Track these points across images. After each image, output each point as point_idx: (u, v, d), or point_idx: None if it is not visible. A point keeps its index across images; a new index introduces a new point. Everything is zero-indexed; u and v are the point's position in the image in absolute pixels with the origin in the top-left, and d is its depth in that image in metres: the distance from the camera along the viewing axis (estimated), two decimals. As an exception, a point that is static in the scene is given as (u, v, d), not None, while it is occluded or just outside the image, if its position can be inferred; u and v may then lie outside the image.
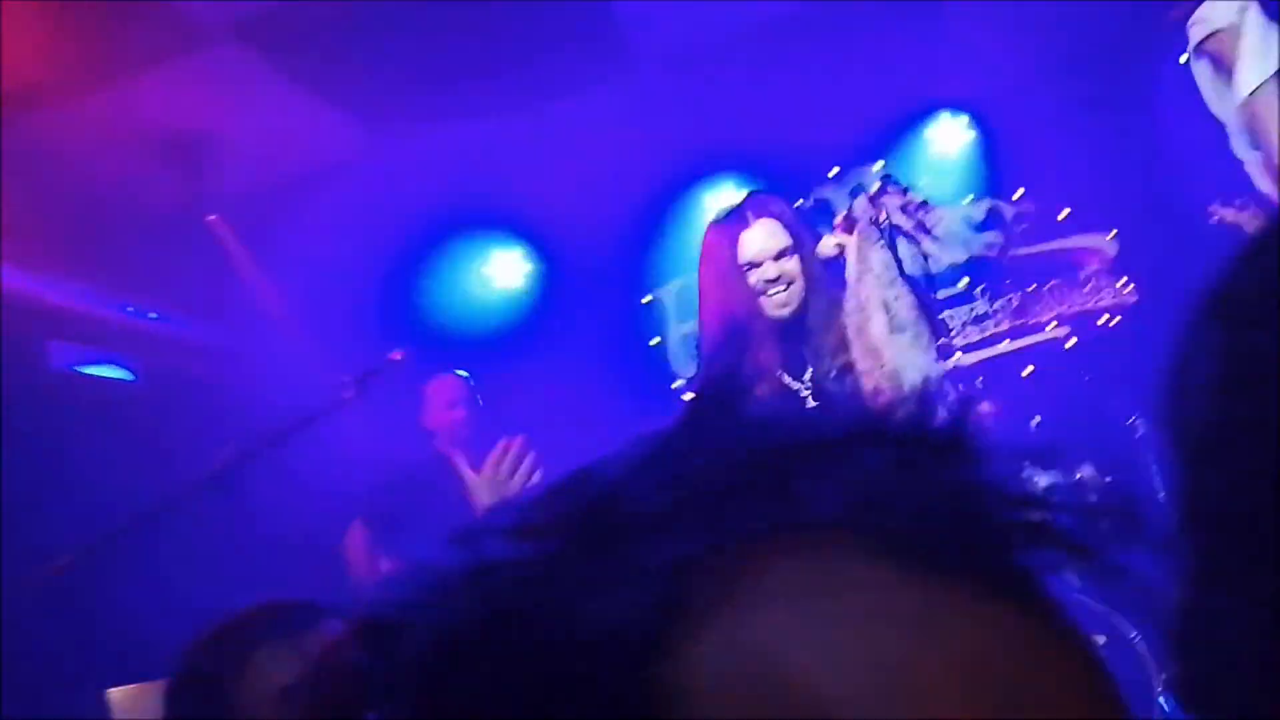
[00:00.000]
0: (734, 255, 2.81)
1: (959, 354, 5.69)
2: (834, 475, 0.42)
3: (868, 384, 2.53)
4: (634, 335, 6.09)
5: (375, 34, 4.24)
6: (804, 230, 2.86)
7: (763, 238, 2.79)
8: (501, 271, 6.02)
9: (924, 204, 2.63)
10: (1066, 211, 5.82)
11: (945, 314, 5.75)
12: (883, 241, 2.57)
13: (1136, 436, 4.38)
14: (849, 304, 2.60)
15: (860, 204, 2.63)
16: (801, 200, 5.98)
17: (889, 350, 2.51)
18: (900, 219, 2.58)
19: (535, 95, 4.96)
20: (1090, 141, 5.67)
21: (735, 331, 2.72)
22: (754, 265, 2.79)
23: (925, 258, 2.59)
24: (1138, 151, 5.66)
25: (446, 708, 0.39)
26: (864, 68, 5.37)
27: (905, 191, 2.60)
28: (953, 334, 5.74)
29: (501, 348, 5.90)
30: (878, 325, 2.52)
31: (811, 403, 2.67)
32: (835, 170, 5.96)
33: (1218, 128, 3.82)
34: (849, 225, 2.63)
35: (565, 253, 6.05)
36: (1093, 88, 5.65)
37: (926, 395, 0.45)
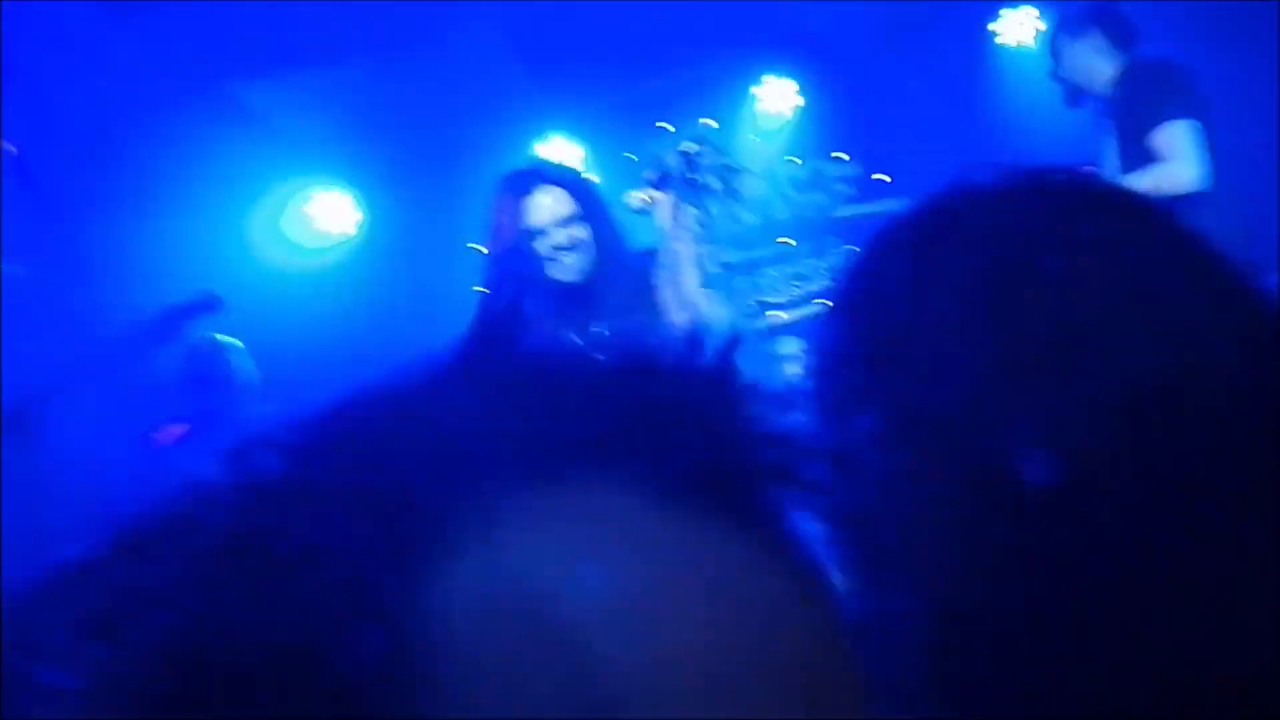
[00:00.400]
0: (521, 223, 2.79)
1: (783, 310, 5.91)
2: (593, 408, 0.43)
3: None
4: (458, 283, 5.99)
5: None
6: (591, 196, 2.86)
7: (549, 203, 2.79)
8: (326, 216, 5.84)
9: (735, 168, 2.69)
10: (886, 177, 6.02)
11: (769, 270, 5.95)
12: (695, 199, 2.62)
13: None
14: (663, 258, 2.63)
15: (674, 161, 2.66)
16: (631, 154, 6.01)
17: (703, 304, 2.56)
18: (712, 179, 2.62)
19: (374, 41, 4.81)
20: (917, 109, 5.87)
21: (513, 277, 2.70)
22: (541, 232, 2.78)
23: (734, 219, 2.64)
24: (961, 120, 5.89)
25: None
26: (700, 25, 5.41)
27: (719, 152, 2.65)
28: (774, 290, 5.93)
29: (324, 292, 5.75)
30: (691, 279, 2.56)
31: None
32: (667, 126, 6.00)
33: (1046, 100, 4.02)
34: (661, 182, 2.66)
35: (393, 200, 5.91)
36: (924, 58, 5.85)
37: (695, 336, 0.46)
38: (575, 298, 2.79)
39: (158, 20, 4.25)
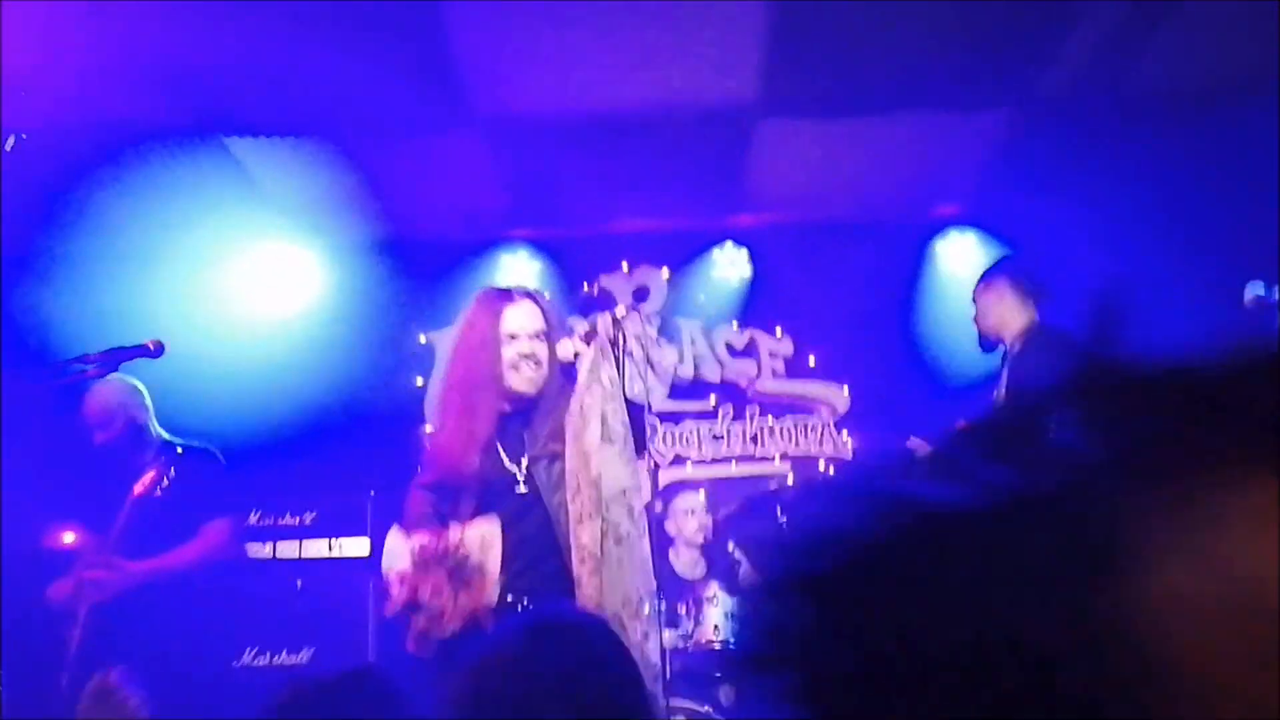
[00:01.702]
0: (497, 325, 3.00)
1: (689, 465, 6.11)
2: (1237, 416, 0.46)
3: (571, 482, 2.74)
4: (402, 374, 6.15)
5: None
6: (558, 322, 3.09)
7: (527, 315, 3.01)
8: (287, 282, 5.97)
9: (656, 340, 2.92)
10: (813, 359, 6.32)
11: (688, 425, 6.17)
12: (615, 360, 2.81)
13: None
14: (573, 406, 2.81)
15: (604, 323, 2.87)
16: (586, 285, 6.26)
17: (596, 457, 2.73)
18: (634, 345, 2.83)
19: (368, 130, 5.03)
20: (849, 298, 6.20)
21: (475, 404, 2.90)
22: (514, 337, 2.97)
23: (646, 385, 2.85)
24: (891, 317, 6.23)
25: None
26: (680, 175, 5.72)
27: (646, 322, 2.88)
28: (689, 446, 6.14)
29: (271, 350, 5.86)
30: (592, 433, 2.74)
31: (522, 489, 2.87)
32: (625, 266, 6.28)
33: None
34: (589, 337, 2.86)
35: (358, 277, 6.07)
36: (874, 259, 6.21)
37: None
38: (523, 410, 2.98)
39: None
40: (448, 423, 3.02)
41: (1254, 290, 3.16)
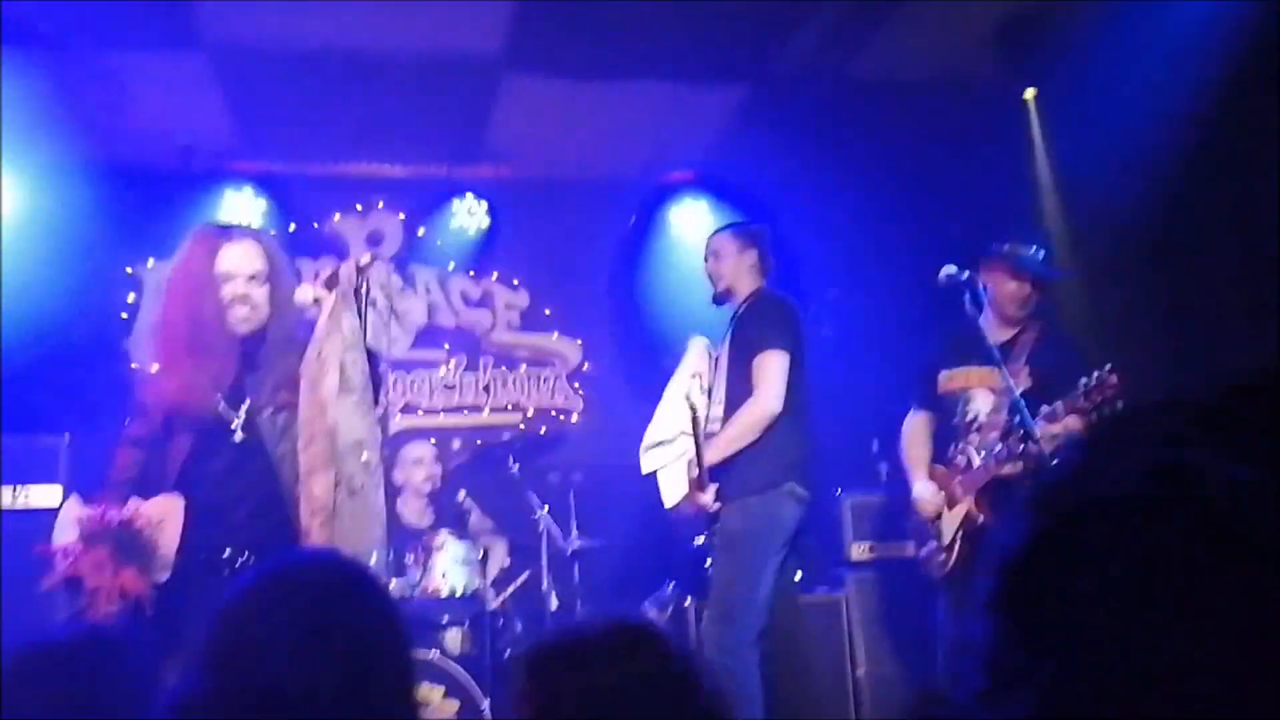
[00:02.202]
0: (212, 264, 2.85)
1: (420, 414, 6.07)
2: None
3: (305, 433, 2.67)
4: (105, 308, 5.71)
5: None
6: (283, 264, 2.97)
7: (241, 255, 2.87)
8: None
9: (401, 289, 2.89)
10: (548, 312, 6.42)
11: (419, 374, 6.12)
12: (356, 308, 2.76)
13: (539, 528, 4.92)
14: (309, 355, 2.73)
15: (347, 269, 2.80)
16: (316, 224, 6.05)
17: (333, 407, 2.68)
18: (378, 294, 2.79)
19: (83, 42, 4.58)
20: (585, 255, 6.34)
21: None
22: (229, 277, 2.85)
23: (389, 337, 2.82)
24: (625, 274, 6.41)
25: None
26: (416, 126, 5.61)
27: (391, 272, 2.84)
28: (420, 395, 6.10)
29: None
30: (330, 383, 2.68)
31: (240, 435, 2.77)
32: (359, 209, 6.11)
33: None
34: (331, 283, 2.79)
35: (62, 202, 5.55)
36: (602, 216, 6.35)
37: None
38: (242, 354, 2.86)
39: None
40: (165, 364, 2.84)
41: (946, 271, 3.52)
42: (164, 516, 2.69)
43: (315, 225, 6.07)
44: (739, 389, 3.73)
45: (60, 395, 5.22)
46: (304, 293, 2.86)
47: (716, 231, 4.23)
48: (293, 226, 5.95)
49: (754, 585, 3.65)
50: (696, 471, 3.72)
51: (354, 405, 2.72)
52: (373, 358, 2.78)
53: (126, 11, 4.41)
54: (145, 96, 5.12)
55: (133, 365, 5.64)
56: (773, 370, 3.72)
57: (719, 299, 4.12)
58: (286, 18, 4.62)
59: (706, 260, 4.14)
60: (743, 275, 4.05)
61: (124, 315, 5.87)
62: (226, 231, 2.96)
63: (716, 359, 4.02)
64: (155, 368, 2.87)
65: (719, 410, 3.83)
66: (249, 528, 2.70)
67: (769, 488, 3.70)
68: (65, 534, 2.71)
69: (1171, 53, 4.21)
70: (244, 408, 2.82)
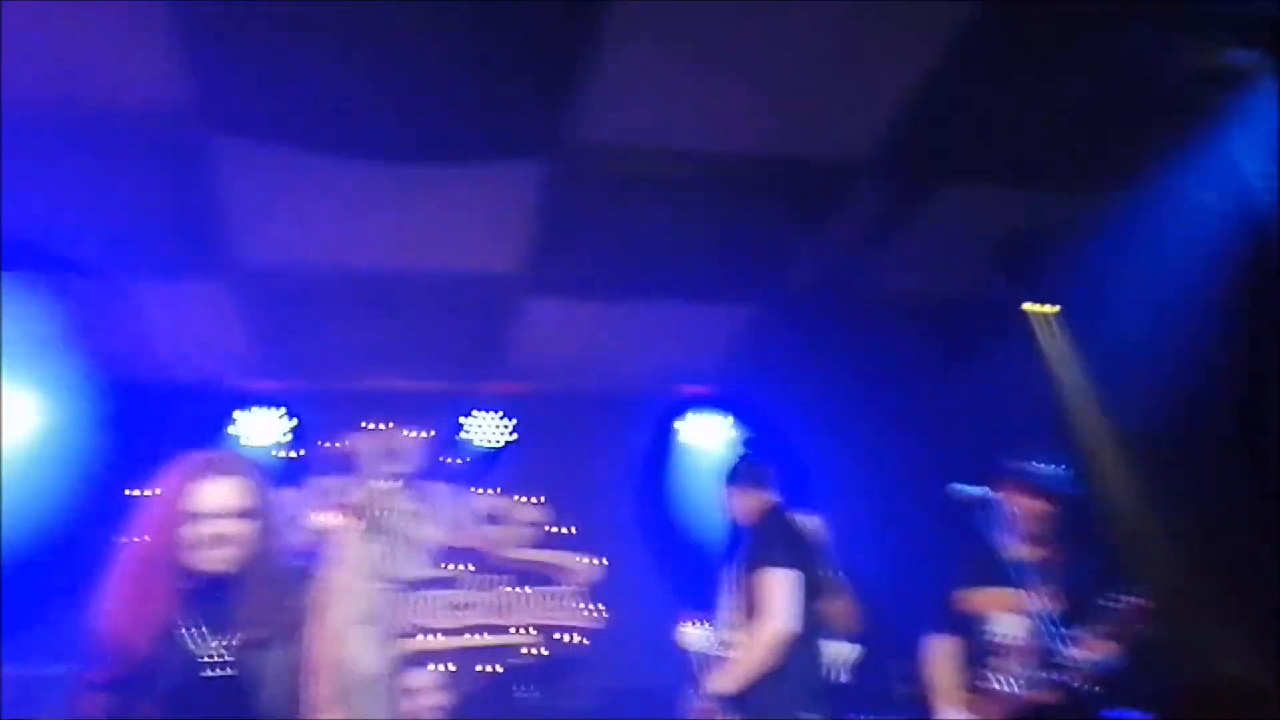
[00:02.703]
0: (181, 500, 2.65)
1: (436, 635, 5.91)
2: None
3: (309, 669, 2.55)
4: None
5: None
6: (270, 496, 2.75)
7: (226, 493, 2.68)
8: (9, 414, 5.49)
9: (421, 515, 2.82)
10: (571, 529, 6.37)
11: (431, 594, 6.00)
12: (371, 535, 2.73)
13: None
14: (318, 584, 2.67)
15: (360, 496, 2.78)
16: (329, 443, 6.09)
17: (348, 638, 2.58)
18: (395, 521, 2.75)
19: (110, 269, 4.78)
20: (603, 469, 6.33)
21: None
22: (202, 516, 2.65)
23: (407, 562, 2.75)
24: (643, 488, 6.38)
25: None
26: (436, 343, 5.74)
27: (410, 498, 2.78)
28: (428, 616, 5.95)
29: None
30: (339, 613, 2.59)
31: (211, 673, 2.51)
32: (376, 426, 6.16)
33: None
34: (345, 509, 2.75)
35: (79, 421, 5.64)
36: (619, 430, 6.40)
37: None
38: (215, 592, 2.64)
39: None
40: (116, 605, 2.63)
41: (959, 488, 3.48)
42: None
43: (332, 443, 6.12)
44: (749, 609, 3.62)
45: (60, 626, 5.13)
46: (322, 520, 2.80)
47: (727, 483, 4.15)
48: (301, 451, 5.97)
49: None
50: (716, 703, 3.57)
51: (367, 636, 2.65)
52: (391, 584, 2.72)
53: (154, 235, 4.59)
54: (165, 320, 5.27)
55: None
56: (776, 588, 3.61)
57: (734, 528, 4.04)
58: (309, 241, 4.81)
59: (720, 498, 4.11)
60: (754, 510, 4.00)
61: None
62: (208, 466, 2.75)
63: (733, 583, 3.94)
64: (108, 610, 2.64)
65: (734, 635, 3.71)
66: None
67: (783, 716, 3.53)
68: None
69: (1178, 255, 4.29)
70: (218, 643, 2.61)
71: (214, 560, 2.61)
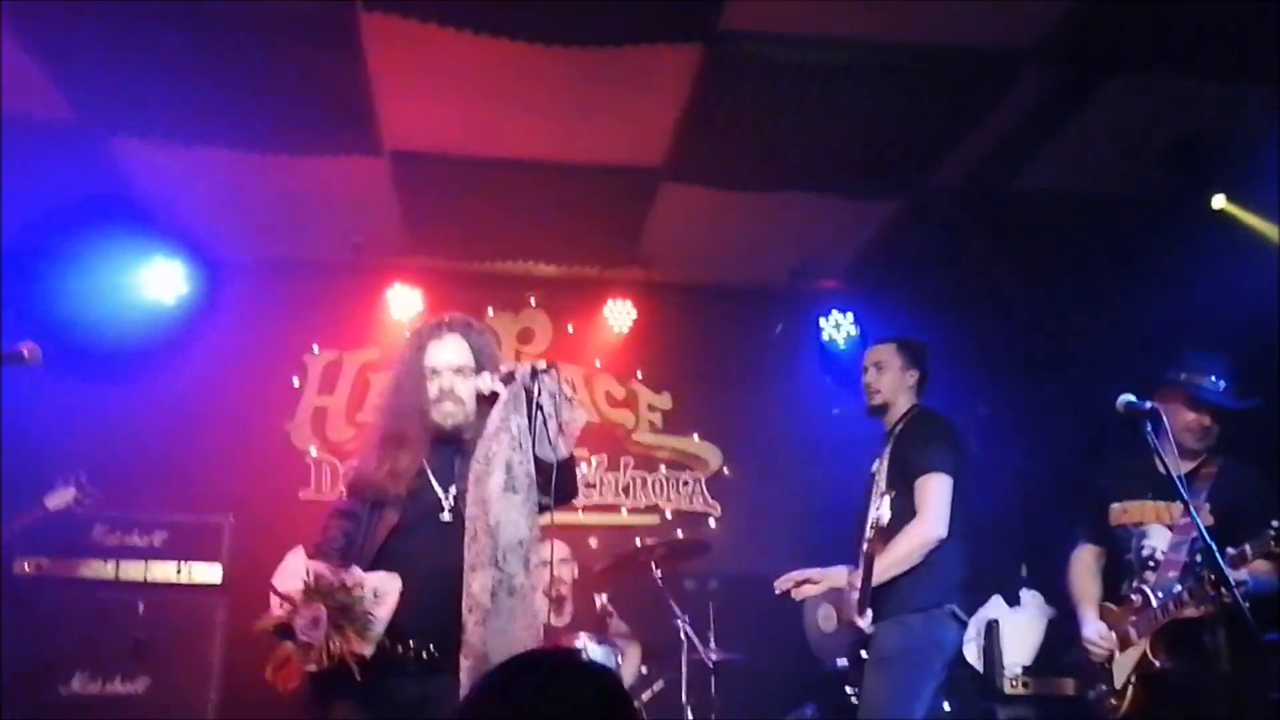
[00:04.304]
0: (421, 358, 2.96)
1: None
2: None
3: (469, 528, 2.68)
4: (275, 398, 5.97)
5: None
6: (489, 359, 2.99)
7: (449, 350, 2.96)
8: (157, 283, 5.72)
9: (569, 398, 2.92)
10: (690, 417, 6.42)
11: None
12: (527, 411, 2.79)
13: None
14: (478, 452, 2.76)
15: (523, 370, 2.84)
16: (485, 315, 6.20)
17: (497, 505, 2.69)
18: (546, 401, 2.82)
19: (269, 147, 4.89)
20: (731, 362, 6.34)
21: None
22: (435, 372, 2.94)
23: (550, 442, 2.85)
24: (770, 383, 6.38)
25: None
26: (574, 228, 5.76)
27: (560, 383, 2.87)
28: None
29: (148, 362, 5.61)
30: (496, 481, 2.70)
31: (447, 516, 2.80)
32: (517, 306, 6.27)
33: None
34: (508, 379, 2.82)
35: (242, 293, 5.88)
36: (751, 324, 6.37)
37: None
38: (447, 444, 2.93)
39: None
40: (372, 453, 2.95)
41: (1126, 399, 3.35)
42: (382, 593, 2.68)
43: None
44: (900, 509, 3.61)
45: (228, 478, 5.43)
46: (483, 382, 2.91)
47: (881, 342, 4.11)
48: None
49: (910, 708, 3.49)
50: (858, 594, 3.60)
51: (518, 505, 2.73)
52: (541, 463, 2.79)
53: (311, 117, 4.66)
54: (323, 197, 5.39)
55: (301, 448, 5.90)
56: (937, 494, 3.63)
57: (874, 411, 4.03)
58: (462, 128, 4.82)
59: (866, 370, 4.04)
60: (903, 392, 3.98)
61: (289, 401, 6.11)
62: (437, 327, 3.05)
63: (873, 474, 3.92)
64: (365, 456, 2.98)
65: (878, 529, 3.71)
66: (432, 610, 2.70)
67: (931, 607, 3.56)
68: (288, 582, 2.73)
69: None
70: (452, 492, 2.86)
71: (444, 415, 2.91)
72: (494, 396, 2.87)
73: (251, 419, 5.90)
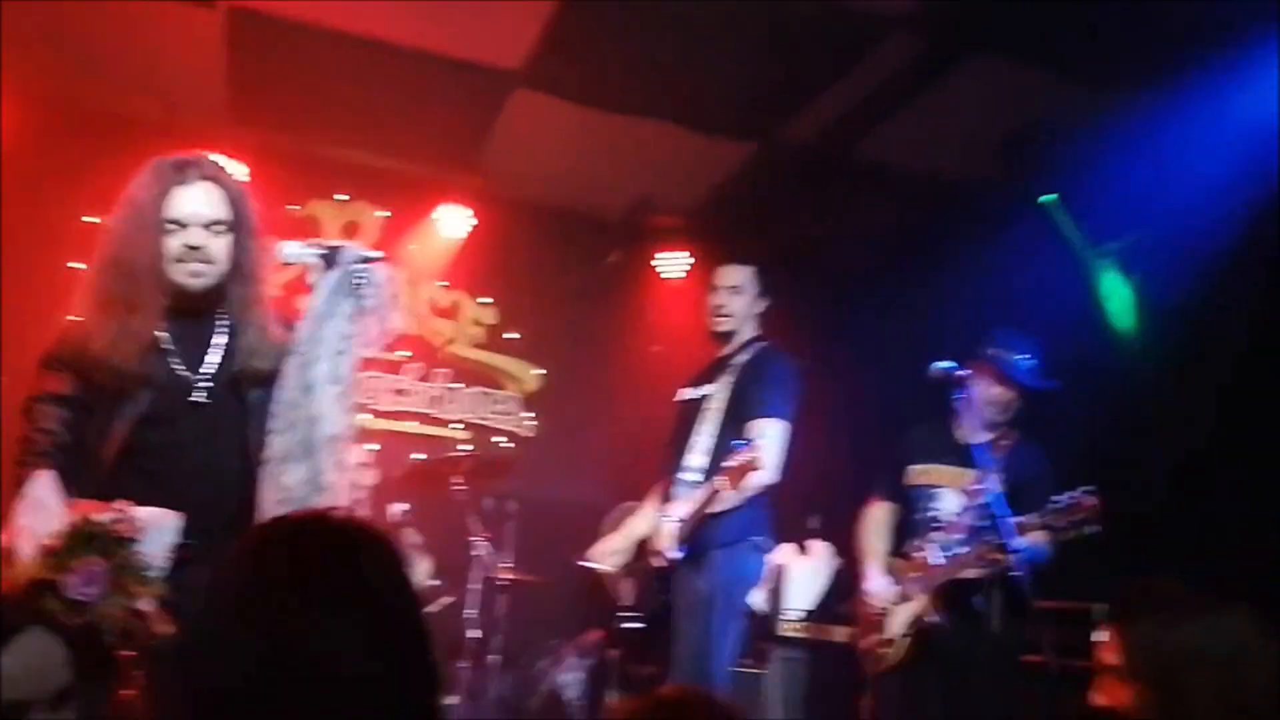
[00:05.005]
0: (160, 205, 2.47)
1: (369, 416, 5.88)
2: None
3: (283, 416, 2.46)
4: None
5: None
6: (249, 213, 2.57)
7: (202, 199, 2.48)
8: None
9: (394, 298, 2.67)
10: (516, 335, 6.32)
11: (371, 375, 5.95)
12: (354, 298, 2.61)
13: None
14: (302, 334, 2.53)
15: (351, 251, 2.63)
16: (309, 203, 5.88)
17: (319, 396, 2.50)
18: (371, 294, 2.62)
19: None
20: (559, 283, 6.25)
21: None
22: (179, 225, 2.47)
23: (380, 333, 2.65)
24: (596, 310, 6.34)
25: None
26: (419, 124, 5.50)
27: (380, 274, 2.63)
28: (370, 397, 5.92)
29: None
30: (323, 369, 2.50)
31: (200, 398, 2.45)
32: (343, 197, 5.96)
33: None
34: (330, 257, 2.60)
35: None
36: (586, 248, 6.29)
37: None
38: (185, 312, 2.52)
39: None
40: (94, 319, 2.45)
41: (940, 365, 3.47)
42: (163, 533, 2.31)
43: (294, 206, 5.92)
44: (727, 444, 3.52)
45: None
46: (295, 250, 2.60)
47: (737, 264, 3.92)
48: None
49: (721, 644, 3.47)
50: (678, 525, 3.55)
51: (337, 398, 2.58)
52: (361, 356, 2.62)
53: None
54: (143, 42, 4.94)
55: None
56: (776, 440, 3.58)
57: (717, 337, 3.87)
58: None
59: (716, 292, 3.88)
60: (749, 320, 3.87)
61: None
62: (184, 168, 2.52)
63: (697, 402, 3.80)
64: (85, 316, 2.47)
65: (701, 460, 3.67)
66: (209, 507, 2.48)
67: (738, 541, 3.55)
68: (46, 523, 2.24)
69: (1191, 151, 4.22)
70: (203, 371, 2.51)
71: (189, 277, 2.47)
72: (302, 273, 2.59)
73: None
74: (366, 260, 2.60)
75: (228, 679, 1.06)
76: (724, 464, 3.44)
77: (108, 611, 2.17)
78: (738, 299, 3.86)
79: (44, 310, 2.64)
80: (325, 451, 2.51)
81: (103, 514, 2.25)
